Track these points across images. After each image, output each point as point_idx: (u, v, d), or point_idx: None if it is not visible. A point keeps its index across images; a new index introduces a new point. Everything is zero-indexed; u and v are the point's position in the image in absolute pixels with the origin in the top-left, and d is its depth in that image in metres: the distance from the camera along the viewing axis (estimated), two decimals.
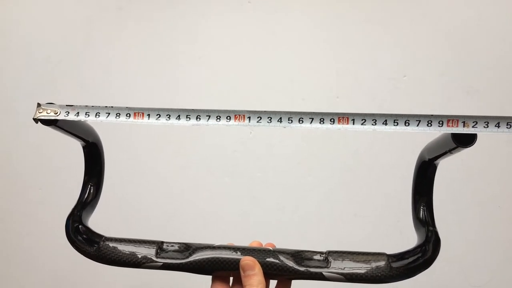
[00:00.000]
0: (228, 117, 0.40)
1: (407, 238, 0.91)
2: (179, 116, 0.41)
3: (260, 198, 0.90)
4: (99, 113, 0.40)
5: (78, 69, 0.96)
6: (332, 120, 0.38)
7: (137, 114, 0.41)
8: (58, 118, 0.40)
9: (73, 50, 0.97)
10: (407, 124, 0.39)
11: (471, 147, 0.37)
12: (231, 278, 0.43)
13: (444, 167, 0.92)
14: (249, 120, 0.40)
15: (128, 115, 0.40)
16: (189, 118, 0.41)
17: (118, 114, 0.40)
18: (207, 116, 0.41)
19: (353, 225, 0.88)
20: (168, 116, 0.40)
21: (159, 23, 0.96)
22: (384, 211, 0.87)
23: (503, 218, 0.87)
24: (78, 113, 0.40)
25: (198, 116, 0.41)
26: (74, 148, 0.99)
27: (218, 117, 0.40)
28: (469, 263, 0.86)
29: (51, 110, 0.40)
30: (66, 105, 0.39)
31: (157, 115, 0.41)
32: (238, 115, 0.40)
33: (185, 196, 0.92)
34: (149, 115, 0.41)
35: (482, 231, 0.87)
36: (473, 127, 0.37)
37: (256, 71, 0.93)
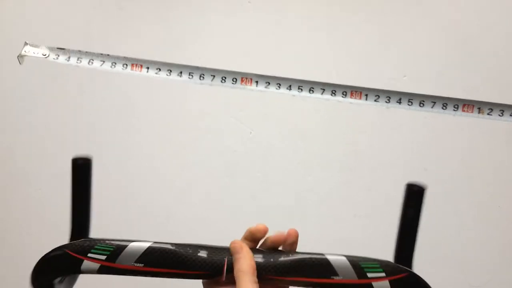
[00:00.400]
0: (234, 79, 0.36)
1: None
2: (181, 72, 0.37)
3: (260, 198, 0.90)
4: (92, 60, 0.36)
5: (78, 69, 0.96)
6: (344, 93, 0.36)
7: (135, 65, 0.36)
8: (47, 59, 0.36)
9: (73, 50, 0.97)
10: (421, 105, 0.36)
11: None
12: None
13: (444, 167, 0.92)
14: (257, 84, 0.36)
15: (125, 65, 0.36)
16: (192, 76, 0.36)
17: (114, 64, 0.36)
18: (211, 75, 0.36)
19: (353, 225, 0.88)
20: (169, 71, 0.36)
21: (159, 23, 0.96)
22: (384, 211, 0.87)
23: (503, 218, 0.87)
24: (69, 57, 0.36)
25: (202, 75, 0.37)
26: (74, 148, 0.99)
27: (224, 78, 0.36)
28: (469, 263, 0.86)
29: (39, 51, 0.36)
30: (57, 48, 0.36)
31: (157, 68, 0.36)
32: (245, 77, 0.36)
33: (185, 196, 0.92)
34: (148, 67, 0.36)
35: (482, 231, 0.87)
36: (488, 114, 0.36)
37: (256, 71, 0.93)
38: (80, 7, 0.97)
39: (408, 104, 0.36)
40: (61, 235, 0.94)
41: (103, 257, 0.38)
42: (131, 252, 0.38)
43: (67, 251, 0.41)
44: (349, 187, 0.89)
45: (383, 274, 0.40)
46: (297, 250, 0.43)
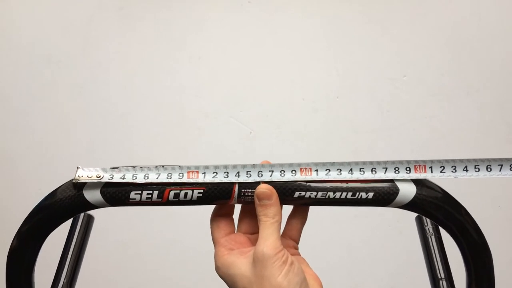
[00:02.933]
0: (294, 171, 0.37)
1: (406, 238, 0.91)
2: (238, 173, 0.37)
3: None
4: (148, 174, 0.37)
5: (78, 69, 0.96)
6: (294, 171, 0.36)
7: (191, 172, 0.37)
8: (102, 181, 0.37)
9: (73, 50, 0.97)
10: (374, 172, 0.37)
11: None
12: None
13: None
14: (317, 173, 0.37)
15: (181, 174, 0.37)
16: (250, 175, 0.37)
17: (169, 175, 0.37)
18: (270, 171, 0.37)
19: (354, 226, 0.88)
20: (226, 173, 0.36)
21: (159, 23, 0.96)
22: (384, 212, 0.87)
23: (503, 218, 0.87)
24: (124, 175, 0.37)
25: (260, 172, 0.37)
26: (74, 148, 0.99)
27: (283, 172, 0.37)
28: None
29: (93, 174, 0.37)
30: (111, 168, 0.36)
31: (213, 172, 0.37)
32: (304, 168, 0.37)
33: None
34: (204, 173, 0.37)
35: (482, 231, 0.87)
36: (441, 172, 0.38)
37: (256, 71, 0.93)
38: (80, 7, 0.97)
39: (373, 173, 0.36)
40: (61, 235, 0.95)
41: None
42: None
43: None
44: None
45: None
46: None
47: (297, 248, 0.44)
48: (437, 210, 0.38)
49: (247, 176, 0.38)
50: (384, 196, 0.37)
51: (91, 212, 0.46)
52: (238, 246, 0.41)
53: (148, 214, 0.93)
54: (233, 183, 0.37)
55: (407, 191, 0.37)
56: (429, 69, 0.89)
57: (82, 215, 0.49)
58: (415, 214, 0.94)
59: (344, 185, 0.37)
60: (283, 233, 0.43)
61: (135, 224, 0.93)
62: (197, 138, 0.93)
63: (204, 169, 0.36)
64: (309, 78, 0.92)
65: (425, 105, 0.90)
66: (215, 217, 0.42)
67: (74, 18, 0.97)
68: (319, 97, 0.91)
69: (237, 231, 0.42)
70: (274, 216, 0.38)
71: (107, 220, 0.95)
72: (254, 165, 0.38)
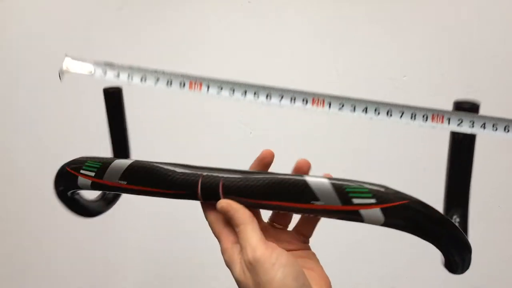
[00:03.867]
0: (305, 100, 0.34)
1: (407, 238, 0.91)
2: (245, 91, 0.34)
3: None
4: (145, 76, 0.34)
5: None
6: (305, 100, 0.33)
7: (193, 83, 0.33)
8: (93, 75, 0.34)
9: (73, 50, 0.97)
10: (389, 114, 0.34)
11: None
12: None
13: (444, 167, 0.92)
14: (329, 106, 0.34)
15: (182, 83, 0.34)
16: (257, 96, 0.34)
17: (170, 81, 0.34)
18: (279, 95, 0.34)
19: (354, 225, 0.88)
20: (232, 90, 0.33)
21: (159, 24, 0.96)
22: None
23: (503, 218, 0.87)
24: (118, 73, 0.34)
25: (269, 95, 0.34)
26: (74, 148, 1.00)
27: (293, 99, 0.35)
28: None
29: (83, 67, 0.34)
30: (104, 63, 0.34)
31: (218, 87, 0.33)
32: (316, 98, 0.34)
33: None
34: (208, 86, 0.33)
35: (482, 231, 0.87)
36: (458, 125, 0.34)
37: (256, 71, 0.93)
38: (80, 7, 0.97)
39: (375, 114, 0.33)
40: (61, 235, 0.95)
41: (92, 174, 0.39)
42: (115, 169, 0.38)
43: (66, 167, 0.43)
44: None
45: (372, 201, 0.35)
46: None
47: (306, 243, 0.43)
48: (415, 230, 0.35)
49: (254, 97, 0.35)
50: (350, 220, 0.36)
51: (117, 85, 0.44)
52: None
53: (148, 215, 0.93)
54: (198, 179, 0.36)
55: (374, 220, 0.35)
56: (429, 69, 0.89)
57: (110, 90, 0.48)
58: None
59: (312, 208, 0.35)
60: (294, 228, 0.43)
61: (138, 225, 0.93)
62: (197, 137, 0.93)
63: (209, 82, 0.33)
64: (309, 78, 0.92)
65: (425, 105, 0.89)
66: (208, 210, 0.40)
67: (74, 18, 0.97)
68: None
69: None
70: (244, 222, 0.36)
71: (106, 220, 0.95)
72: (263, 87, 0.35)
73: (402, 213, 0.34)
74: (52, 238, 0.95)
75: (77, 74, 0.33)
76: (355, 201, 0.35)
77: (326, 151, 0.90)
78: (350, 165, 0.89)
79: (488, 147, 0.88)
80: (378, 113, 0.34)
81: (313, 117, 0.91)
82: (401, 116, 0.35)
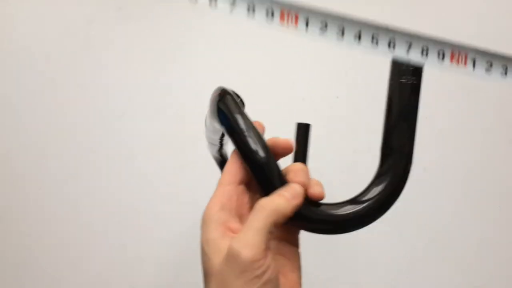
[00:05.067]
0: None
1: (407, 238, 0.91)
2: (359, 33, 0.29)
3: None
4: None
5: (78, 69, 0.96)
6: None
7: (286, 13, 0.27)
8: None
9: (72, 50, 0.97)
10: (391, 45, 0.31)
11: None
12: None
13: (444, 167, 0.92)
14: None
15: (270, 12, 0.27)
16: (375, 42, 0.29)
17: (251, 7, 0.27)
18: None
19: None
20: (342, 30, 0.28)
21: (158, 24, 0.96)
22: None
23: (503, 218, 0.87)
24: None
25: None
26: (74, 148, 1.00)
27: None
28: (469, 263, 0.86)
29: None
30: None
31: (322, 22, 0.29)
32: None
33: (185, 197, 0.92)
34: (307, 20, 0.29)
35: (482, 231, 0.87)
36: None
37: (256, 71, 0.93)
38: (80, 7, 0.97)
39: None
40: (61, 235, 0.95)
41: None
42: None
43: None
44: (349, 187, 0.89)
45: None
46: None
47: (296, 239, 0.37)
48: None
49: (372, 43, 0.30)
50: None
51: None
52: (230, 207, 0.33)
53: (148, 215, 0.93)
54: None
55: None
56: (429, 69, 0.89)
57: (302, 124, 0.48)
58: (415, 215, 0.94)
59: None
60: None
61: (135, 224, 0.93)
62: (197, 137, 0.93)
63: (308, 13, 0.25)
64: (309, 78, 0.92)
65: (425, 105, 0.89)
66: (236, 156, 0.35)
67: (73, 18, 0.97)
68: (319, 97, 0.91)
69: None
70: (269, 207, 0.30)
71: (106, 220, 0.95)
72: (385, 28, 0.30)
73: None
74: (52, 238, 0.95)
75: None
76: None
77: (325, 149, 0.90)
78: (350, 164, 0.89)
79: (488, 147, 0.88)
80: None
81: (313, 117, 0.91)
82: (408, 50, 0.32)
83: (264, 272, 0.28)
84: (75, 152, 0.95)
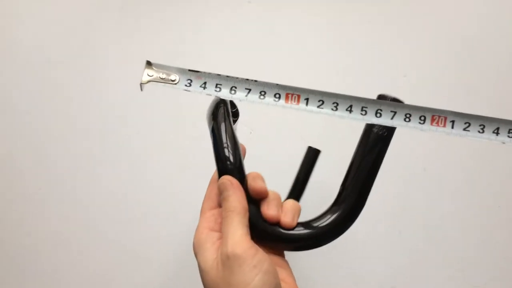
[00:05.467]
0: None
1: (406, 238, 0.91)
2: (350, 106, 0.32)
3: None
4: (235, 87, 0.31)
5: (78, 69, 0.96)
6: (277, 95, 0.30)
7: (290, 95, 0.31)
8: (175, 86, 0.32)
9: (72, 50, 0.97)
10: (378, 115, 0.33)
11: None
12: None
13: (444, 167, 0.92)
14: (306, 103, 0.29)
15: (277, 95, 0.31)
16: (365, 112, 0.32)
17: (263, 93, 0.31)
18: (392, 112, 0.32)
19: (353, 226, 0.88)
20: (335, 105, 0.30)
21: (159, 24, 0.96)
22: (384, 211, 0.87)
23: (503, 218, 0.87)
24: (205, 83, 0.31)
25: (364, 108, 0.31)
26: (74, 148, 1.00)
27: (423, 118, 0.33)
28: (469, 263, 0.86)
29: (166, 74, 0.32)
30: (189, 70, 0.31)
31: (319, 101, 0.31)
32: (436, 115, 0.31)
33: (185, 197, 0.92)
34: (307, 99, 0.31)
35: (482, 231, 0.87)
36: (464, 129, 0.34)
37: (256, 71, 0.93)
38: (80, 7, 0.97)
39: (362, 114, 0.33)
40: (61, 235, 0.95)
41: None
42: None
43: None
44: None
45: None
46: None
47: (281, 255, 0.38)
48: None
49: (361, 114, 0.34)
50: None
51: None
52: (219, 228, 0.34)
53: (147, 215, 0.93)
54: None
55: None
56: (429, 68, 0.89)
57: (312, 149, 0.49)
58: (415, 215, 0.94)
59: None
60: None
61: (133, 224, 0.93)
62: (197, 137, 0.93)
63: (308, 94, 0.30)
64: (309, 78, 0.92)
65: (425, 104, 0.89)
66: (214, 181, 0.38)
67: (74, 18, 0.97)
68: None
69: None
70: (235, 208, 0.32)
71: (106, 220, 0.95)
72: (372, 100, 0.33)
73: None
74: (52, 238, 0.95)
75: (158, 83, 0.32)
76: None
77: (326, 150, 0.90)
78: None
79: (488, 146, 0.88)
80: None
81: (313, 117, 0.91)
82: (392, 117, 0.35)
83: (260, 262, 0.29)
84: (75, 152, 0.95)
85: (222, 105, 0.41)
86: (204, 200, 0.38)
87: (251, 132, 0.91)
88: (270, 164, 0.92)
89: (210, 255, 0.31)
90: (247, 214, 0.34)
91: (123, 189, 0.93)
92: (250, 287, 0.28)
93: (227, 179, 0.35)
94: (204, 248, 0.32)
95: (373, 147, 0.42)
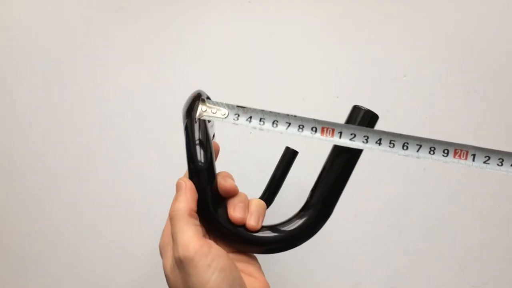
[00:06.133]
0: (446, 151, 0.33)
1: (406, 238, 0.91)
2: (380, 139, 0.34)
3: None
4: (277, 121, 0.35)
5: (78, 69, 0.96)
6: (314, 129, 0.34)
7: (325, 129, 0.35)
8: (225, 120, 0.35)
9: (73, 50, 0.97)
10: (405, 148, 0.36)
11: None
12: None
13: (444, 167, 0.92)
14: (340, 135, 0.33)
15: (314, 129, 0.35)
16: (393, 145, 0.35)
17: (301, 127, 0.35)
18: (431, 148, 0.34)
19: (353, 226, 0.88)
20: (366, 138, 0.34)
21: (159, 23, 0.96)
22: (385, 211, 0.87)
23: (503, 218, 0.87)
24: (250, 117, 0.35)
25: (406, 144, 0.34)
26: (74, 148, 1.00)
27: (446, 151, 0.35)
28: (469, 263, 0.86)
29: (217, 110, 0.35)
30: (237, 106, 0.34)
31: (351, 134, 0.35)
32: (459, 149, 0.34)
33: None
34: (340, 132, 0.35)
35: (482, 231, 0.87)
36: (484, 162, 0.36)
37: (256, 71, 0.93)
38: (80, 7, 0.97)
39: (390, 146, 0.36)
40: (61, 235, 0.95)
41: None
42: None
43: None
44: (349, 188, 0.89)
45: None
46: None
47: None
48: None
49: (390, 146, 0.37)
50: None
51: None
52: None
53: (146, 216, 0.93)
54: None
55: None
56: (430, 69, 0.89)
57: (290, 149, 0.50)
58: (415, 215, 0.94)
59: None
60: None
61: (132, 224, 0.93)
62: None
63: (342, 128, 0.34)
64: (309, 78, 0.92)
65: (425, 104, 0.89)
66: None
67: (74, 18, 0.97)
68: (319, 97, 0.91)
69: None
70: (181, 208, 0.31)
71: (106, 220, 0.95)
72: (400, 135, 0.36)
73: None
74: (52, 238, 0.95)
75: (209, 117, 0.34)
76: None
77: (326, 150, 0.90)
78: None
79: (488, 146, 0.88)
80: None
81: (313, 116, 0.91)
82: (418, 150, 0.37)
83: (214, 260, 0.29)
84: (75, 152, 0.95)
85: (198, 101, 0.42)
86: (172, 203, 0.37)
87: (251, 132, 0.91)
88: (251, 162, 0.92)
89: (170, 258, 0.31)
90: (194, 214, 0.34)
91: (123, 189, 0.93)
92: (208, 286, 0.27)
93: (183, 180, 0.37)
94: (165, 251, 0.33)
95: (342, 157, 0.44)
